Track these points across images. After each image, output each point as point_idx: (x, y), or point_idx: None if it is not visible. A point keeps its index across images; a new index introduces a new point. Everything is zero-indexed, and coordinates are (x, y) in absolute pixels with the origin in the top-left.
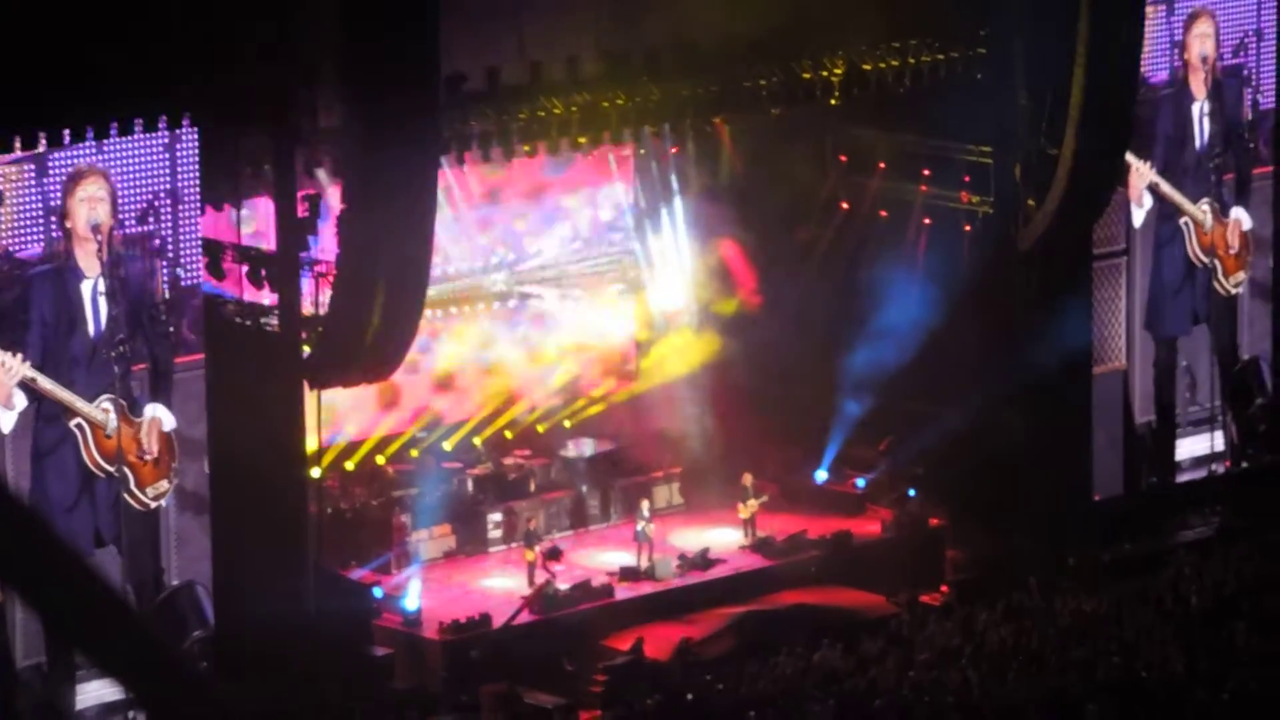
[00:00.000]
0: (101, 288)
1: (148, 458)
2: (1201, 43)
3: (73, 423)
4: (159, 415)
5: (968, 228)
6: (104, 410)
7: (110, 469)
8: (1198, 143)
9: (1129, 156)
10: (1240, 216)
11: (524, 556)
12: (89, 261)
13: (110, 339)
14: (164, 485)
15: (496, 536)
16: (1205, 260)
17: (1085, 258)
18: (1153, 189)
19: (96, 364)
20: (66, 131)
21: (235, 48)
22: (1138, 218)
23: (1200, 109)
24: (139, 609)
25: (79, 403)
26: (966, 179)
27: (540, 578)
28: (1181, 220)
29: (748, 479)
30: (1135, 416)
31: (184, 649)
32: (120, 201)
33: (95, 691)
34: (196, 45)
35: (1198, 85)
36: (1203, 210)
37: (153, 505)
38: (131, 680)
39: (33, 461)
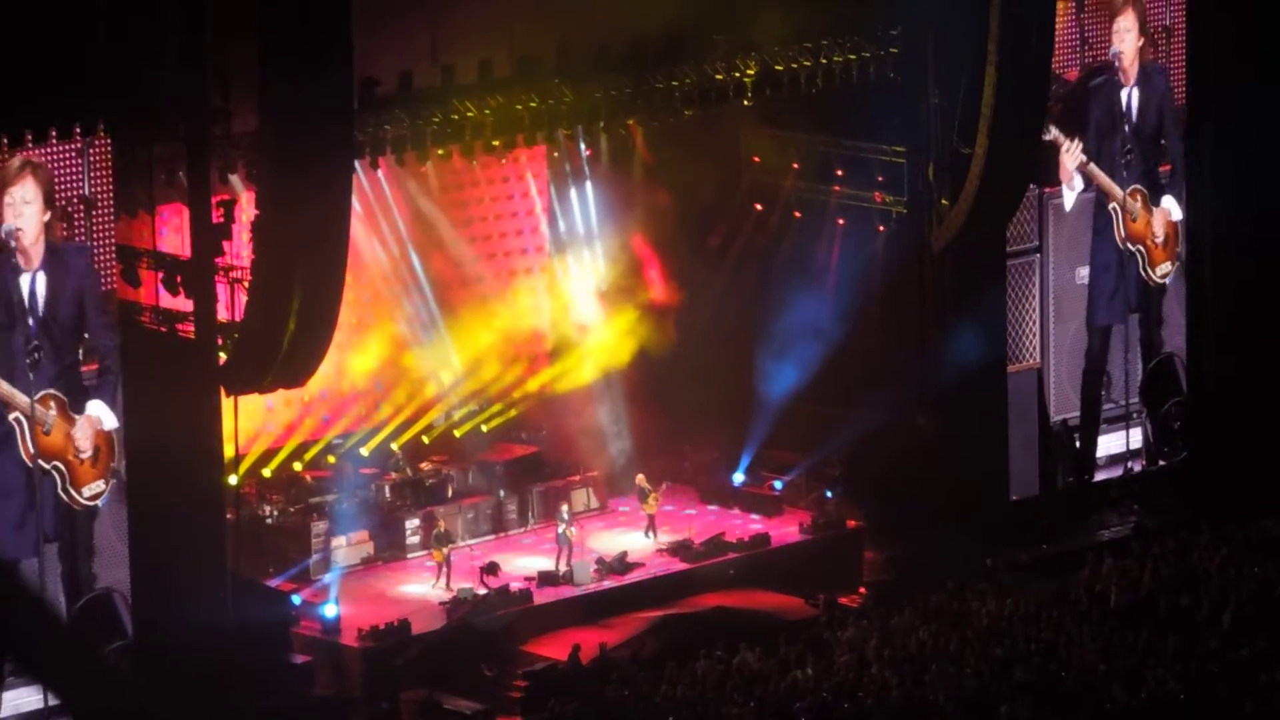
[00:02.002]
0: (40, 284)
1: (83, 456)
2: (1120, 38)
3: (11, 416)
4: (98, 414)
5: (881, 228)
6: (42, 405)
7: (47, 465)
8: (1126, 131)
9: (1059, 135)
10: (1169, 207)
11: (432, 557)
12: (26, 257)
13: (48, 341)
14: (100, 485)
15: (415, 542)
16: (1132, 248)
17: (999, 256)
18: (1082, 170)
19: (35, 361)
20: None
21: (149, 55)
22: (1068, 200)
23: (1128, 98)
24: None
25: (18, 397)
26: (880, 179)
27: (469, 588)
28: (1110, 205)
29: (641, 479)
30: (1050, 415)
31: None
32: (55, 206)
33: (13, 701)
34: (110, 53)
35: (1125, 76)
36: (1131, 198)
37: (88, 505)
38: (59, 687)
39: None
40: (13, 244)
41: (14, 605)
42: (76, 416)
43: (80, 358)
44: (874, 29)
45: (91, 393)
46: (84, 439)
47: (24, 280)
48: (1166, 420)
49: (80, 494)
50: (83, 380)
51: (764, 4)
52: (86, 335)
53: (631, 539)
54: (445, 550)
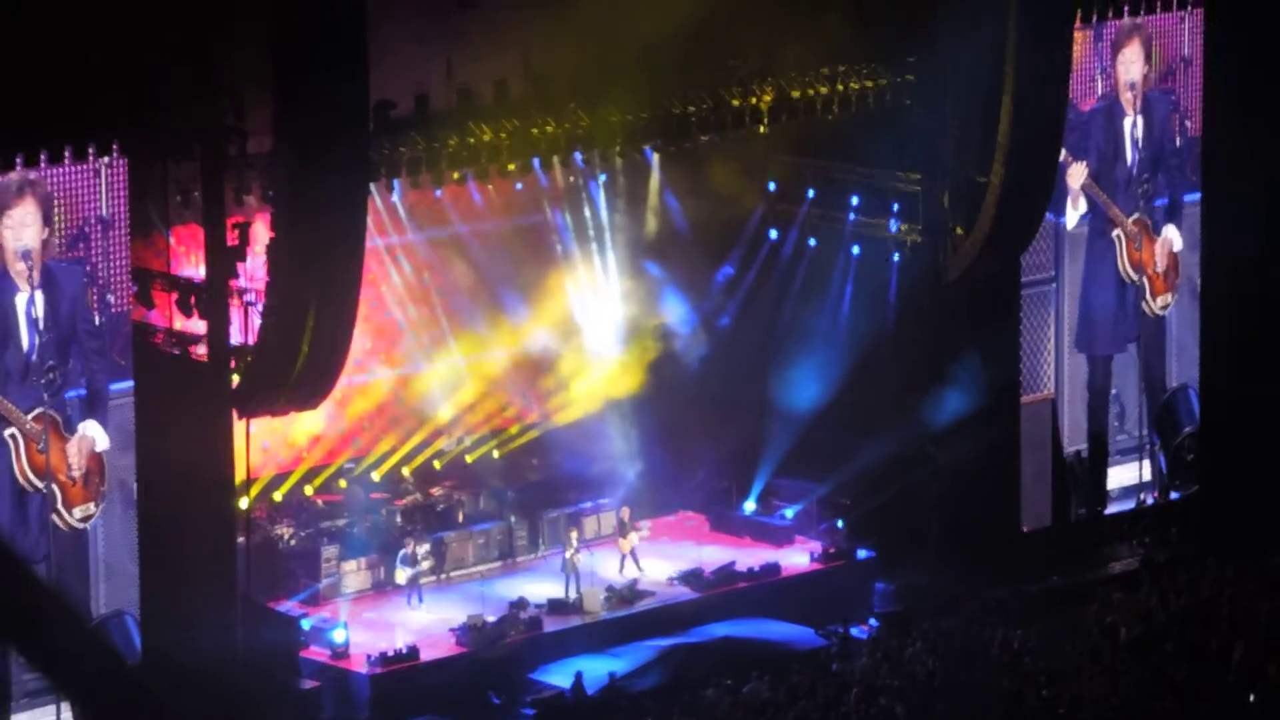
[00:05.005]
0: (36, 308)
1: (75, 475)
2: (1127, 69)
3: (6, 432)
4: (92, 434)
5: (896, 256)
6: (36, 423)
7: (40, 485)
8: (1128, 160)
9: (1066, 155)
10: (1171, 237)
11: (397, 577)
12: (20, 280)
13: (42, 359)
14: (91, 508)
15: (425, 569)
16: (1134, 277)
17: (1013, 286)
18: (1087, 191)
19: (30, 380)
20: None
21: (163, 76)
22: (1071, 220)
23: (1130, 127)
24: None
25: (14, 413)
26: (895, 207)
27: (479, 614)
28: (1114, 233)
29: (625, 513)
30: (1064, 446)
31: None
32: (53, 224)
33: None
34: (126, 75)
35: (1127, 105)
36: (1133, 225)
37: (79, 527)
38: (82, 697)
39: None
40: (26, 264)
41: (39, 616)
42: (69, 436)
43: (71, 385)
44: (891, 57)
45: (84, 413)
46: (76, 459)
47: (20, 299)
48: (1179, 452)
49: (71, 515)
50: (76, 400)
51: (781, 31)
52: (79, 355)
53: (642, 567)
54: (410, 572)
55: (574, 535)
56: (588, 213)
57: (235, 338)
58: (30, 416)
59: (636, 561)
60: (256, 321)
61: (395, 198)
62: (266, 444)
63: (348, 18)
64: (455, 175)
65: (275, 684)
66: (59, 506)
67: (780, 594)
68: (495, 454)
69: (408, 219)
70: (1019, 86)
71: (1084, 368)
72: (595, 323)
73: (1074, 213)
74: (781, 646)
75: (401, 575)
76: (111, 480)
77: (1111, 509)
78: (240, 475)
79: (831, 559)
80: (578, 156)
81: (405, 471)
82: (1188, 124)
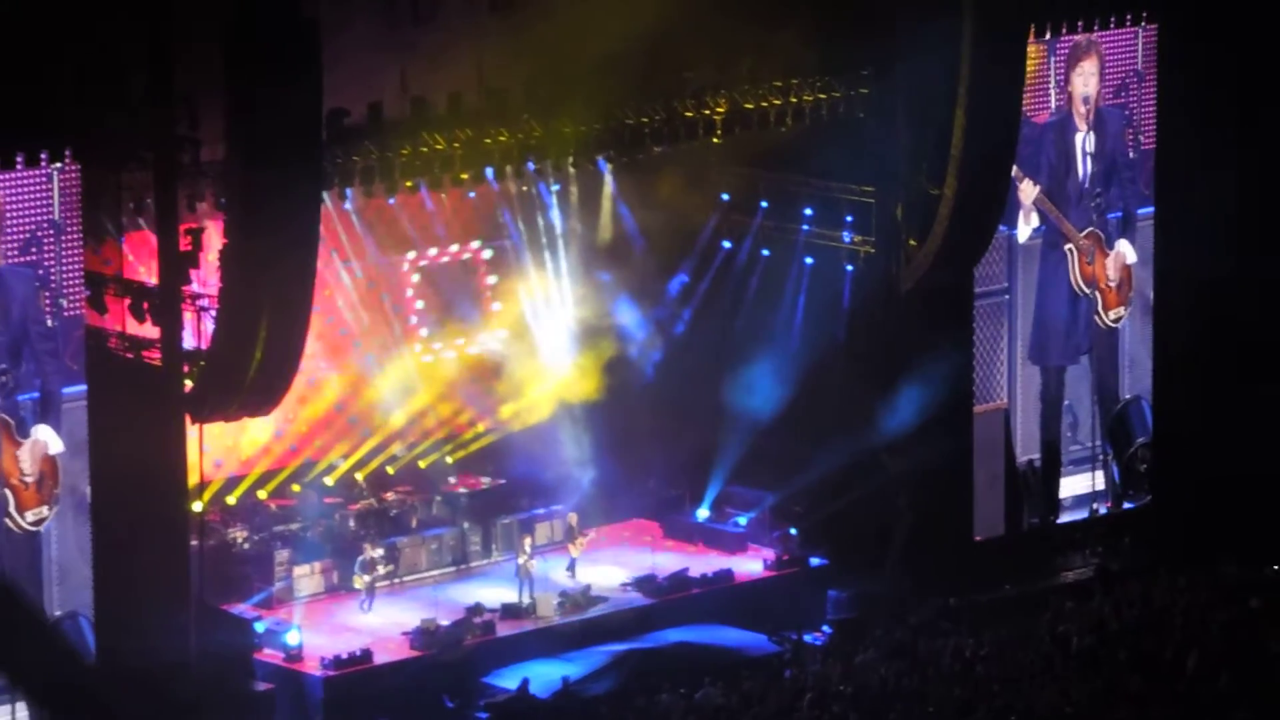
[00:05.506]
0: None
1: (29, 480)
2: (1084, 82)
3: None
4: (44, 439)
5: (850, 267)
6: None
7: None
8: (1080, 174)
9: (1018, 171)
10: (1124, 250)
11: (354, 582)
12: None
13: None
14: (44, 511)
15: (382, 574)
16: (1087, 290)
17: (967, 297)
18: (1039, 205)
19: None
20: None
21: (117, 82)
22: (1024, 233)
23: (1083, 141)
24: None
25: None
26: (849, 219)
27: (432, 618)
28: (1066, 246)
29: (573, 519)
30: (1017, 455)
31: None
32: (4, 229)
33: None
34: (79, 82)
35: (1080, 119)
36: (1085, 239)
37: (32, 530)
38: (40, 696)
39: None
40: None
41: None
42: (22, 440)
43: (23, 389)
44: (845, 69)
45: (37, 416)
46: (29, 463)
47: None
48: (1132, 463)
49: (24, 518)
50: (29, 403)
51: (735, 43)
52: (31, 358)
53: (597, 572)
54: (368, 577)
55: (527, 541)
56: (540, 219)
57: (188, 343)
58: None
59: (574, 570)
60: (209, 327)
61: (348, 205)
62: (220, 461)
63: (301, 26)
64: (408, 184)
65: (228, 686)
66: (11, 510)
67: (733, 600)
68: (448, 459)
69: (360, 226)
70: (972, 100)
71: (1037, 378)
72: (548, 328)
73: (1026, 226)
74: (735, 653)
75: (359, 580)
76: (64, 484)
77: (1064, 518)
78: (194, 479)
79: (784, 566)
80: (530, 166)
81: (359, 476)
82: (1141, 138)
